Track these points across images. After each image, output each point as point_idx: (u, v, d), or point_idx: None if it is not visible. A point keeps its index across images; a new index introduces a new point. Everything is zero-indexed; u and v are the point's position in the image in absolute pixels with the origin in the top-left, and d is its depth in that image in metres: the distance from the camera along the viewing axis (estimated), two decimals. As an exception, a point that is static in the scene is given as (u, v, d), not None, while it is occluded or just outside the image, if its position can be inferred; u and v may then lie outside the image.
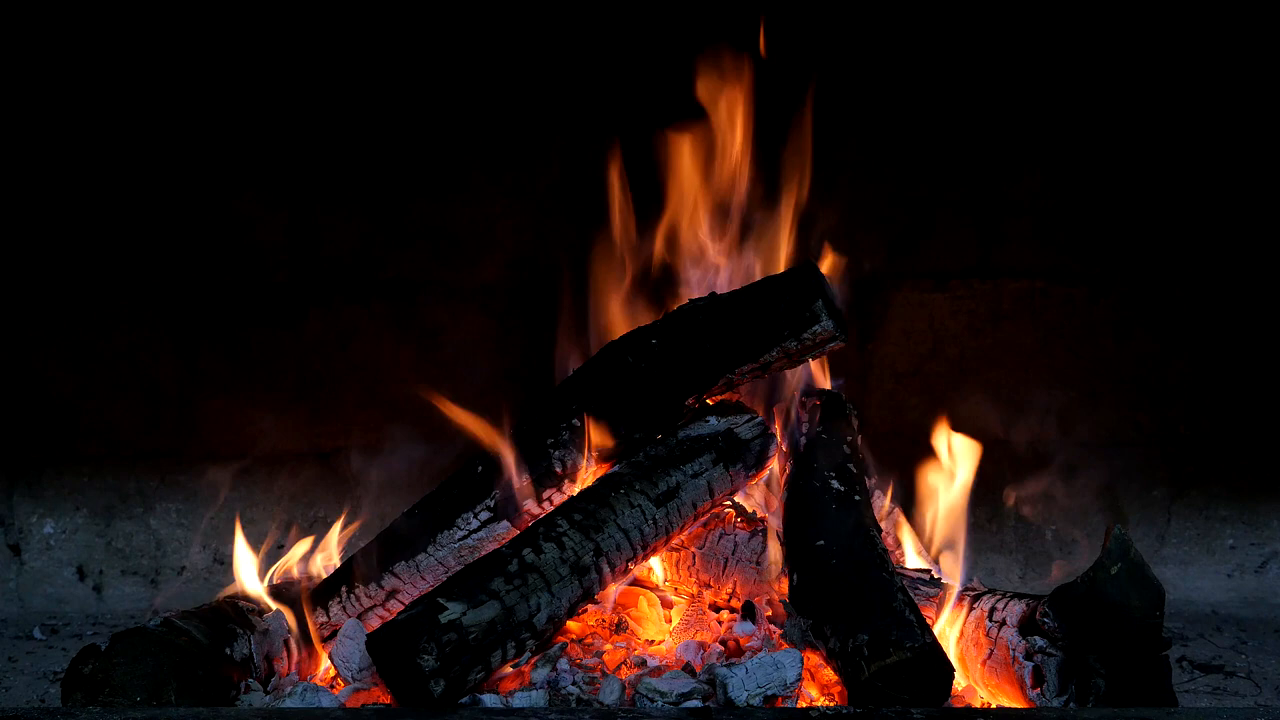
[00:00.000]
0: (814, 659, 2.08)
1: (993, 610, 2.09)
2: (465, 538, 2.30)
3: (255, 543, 2.42)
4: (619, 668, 2.14)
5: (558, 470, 2.33)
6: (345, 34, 3.10)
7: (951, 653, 2.09)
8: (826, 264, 2.61)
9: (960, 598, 2.19)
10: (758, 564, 2.34)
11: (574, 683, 2.06)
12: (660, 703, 1.97)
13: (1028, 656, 1.97)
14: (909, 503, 2.53)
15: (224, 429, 3.18)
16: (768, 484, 2.44)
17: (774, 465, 2.41)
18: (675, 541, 2.34)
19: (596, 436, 2.32)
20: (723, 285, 2.54)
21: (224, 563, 3.17)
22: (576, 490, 2.31)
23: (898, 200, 3.15)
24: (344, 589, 2.32)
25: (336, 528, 2.54)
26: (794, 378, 2.53)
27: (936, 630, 2.06)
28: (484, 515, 2.31)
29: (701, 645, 2.21)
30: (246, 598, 2.24)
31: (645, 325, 2.43)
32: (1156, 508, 3.27)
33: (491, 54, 3.12)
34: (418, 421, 2.71)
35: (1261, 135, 3.16)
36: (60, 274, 3.15)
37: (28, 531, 3.19)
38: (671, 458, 2.28)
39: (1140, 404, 3.24)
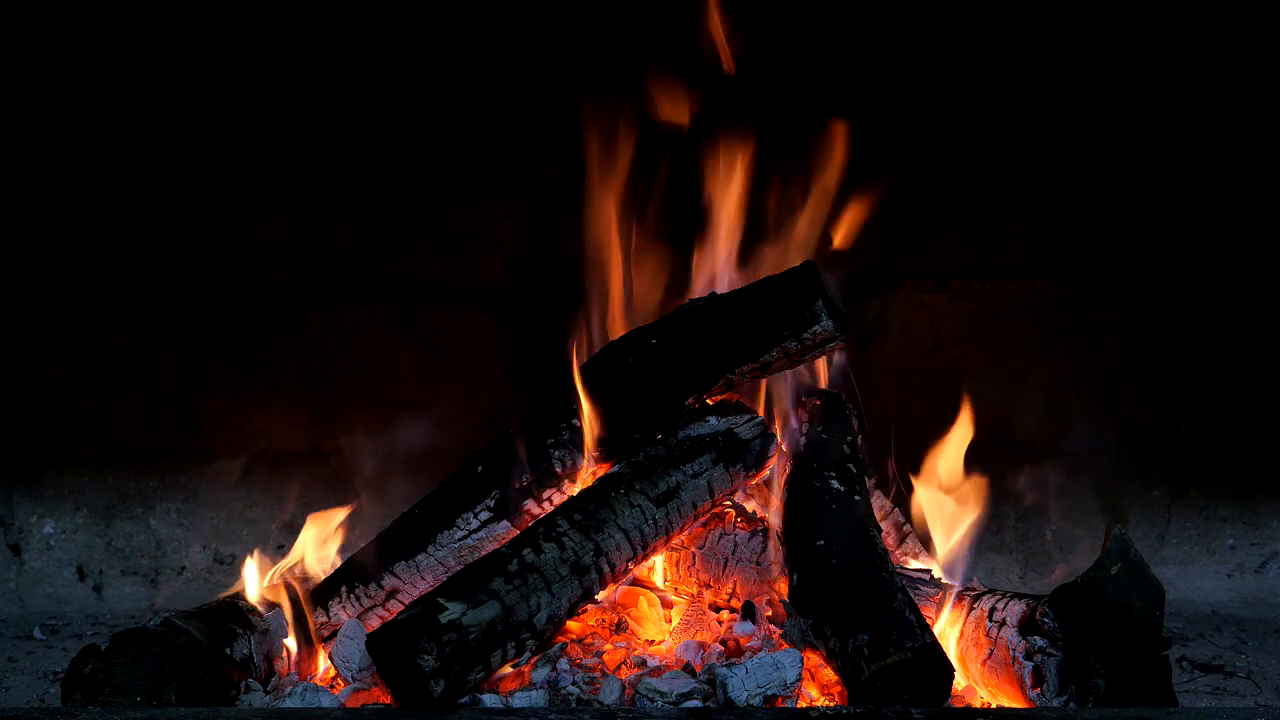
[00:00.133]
0: (814, 659, 2.08)
1: (993, 610, 2.09)
2: (465, 538, 2.30)
3: (255, 543, 2.42)
4: (619, 668, 2.14)
5: (558, 470, 2.33)
6: (345, 34, 3.10)
7: (951, 653, 2.09)
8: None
9: (960, 598, 2.19)
10: (758, 564, 2.34)
11: (574, 683, 2.06)
12: (660, 703, 1.97)
13: (1028, 656, 1.97)
14: (908, 502, 2.53)
15: (224, 429, 3.18)
16: (768, 484, 2.44)
17: (774, 465, 2.41)
18: (675, 541, 2.34)
19: (596, 436, 2.32)
20: (723, 285, 2.54)
21: (224, 563, 3.17)
22: (576, 490, 2.31)
23: (898, 200, 3.15)
24: (344, 589, 2.32)
25: (336, 528, 2.54)
26: (794, 377, 2.53)
27: (936, 630, 2.06)
28: (484, 515, 2.31)
29: (701, 645, 2.21)
30: (246, 598, 2.25)
31: (645, 325, 2.43)
32: (1156, 508, 3.27)
33: (491, 54, 3.12)
34: (418, 421, 2.71)
35: (1261, 135, 3.16)
36: (60, 274, 3.15)
37: (28, 531, 3.19)
38: (671, 458, 2.28)
39: (1140, 404, 3.24)
